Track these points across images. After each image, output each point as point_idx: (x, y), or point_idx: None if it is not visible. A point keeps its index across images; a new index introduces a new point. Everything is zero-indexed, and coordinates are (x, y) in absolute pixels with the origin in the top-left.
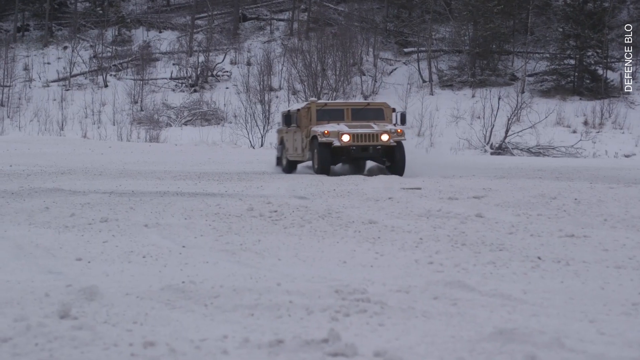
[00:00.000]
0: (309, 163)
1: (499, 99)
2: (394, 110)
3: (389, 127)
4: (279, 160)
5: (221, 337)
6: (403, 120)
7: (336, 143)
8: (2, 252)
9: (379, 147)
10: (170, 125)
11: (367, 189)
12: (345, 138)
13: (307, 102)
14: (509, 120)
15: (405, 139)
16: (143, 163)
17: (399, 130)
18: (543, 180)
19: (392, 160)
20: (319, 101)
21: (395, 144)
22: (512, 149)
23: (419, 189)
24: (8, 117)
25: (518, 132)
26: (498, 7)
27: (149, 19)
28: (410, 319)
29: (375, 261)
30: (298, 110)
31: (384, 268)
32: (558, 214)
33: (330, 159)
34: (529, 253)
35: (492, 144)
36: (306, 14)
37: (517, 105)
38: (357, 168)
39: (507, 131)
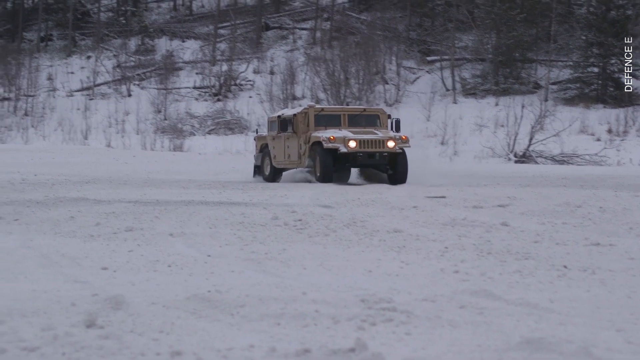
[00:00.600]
0: (296, 171)
1: (523, 107)
2: (389, 116)
3: (392, 133)
4: (258, 169)
5: (248, 346)
6: (397, 127)
7: (342, 149)
8: (28, 261)
9: (385, 153)
10: (194, 135)
11: (392, 197)
12: (352, 144)
13: (303, 107)
14: (532, 128)
15: (409, 146)
16: (167, 172)
17: (403, 137)
18: (568, 189)
19: (394, 168)
20: (317, 106)
21: (400, 150)
22: (536, 157)
23: (444, 197)
24: (32, 126)
25: (542, 140)
26: (521, 15)
27: (171, 29)
28: (436, 328)
29: (401, 270)
30: (294, 115)
31: (409, 277)
32: (583, 222)
33: (333, 166)
34: (555, 262)
35: (515, 152)
36: (329, 23)
37: (540, 114)
38: (341, 177)
39: (530, 139)
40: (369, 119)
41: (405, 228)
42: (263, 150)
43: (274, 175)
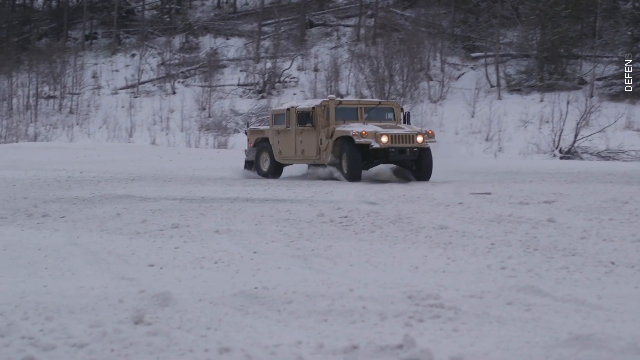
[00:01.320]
0: (297, 167)
1: (568, 103)
2: (402, 109)
3: (417, 127)
4: (249, 165)
5: (295, 342)
6: (407, 120)
7: (374, 145)
8: (76, 258)
9: (415, 149)
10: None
11: (437, 193)
12: (384, 139)
13: (322, 100)
14: (577, 124)
15: (435, 141)
16: (212, 169)
17: (429, 132)
18: (614, 185)
19: (419, 164)
20: (336, 98)
21: (427, 146)
22: (582, 153)
23: (489, 193)
24: (77, 124)
25: (587, 137)
26: (566, 11)
27: (216, 26)
28: (484, 324)
29: (448, 266)
30: (313, 108)
31: (456, 273)
32: (630, 218)
33: (362, 163)
34: (602, 258)
35: (561, 149)
36: (373, 19)
37: (585, 110)
38: (328, 173)
39: (576, 135)
40: (384, 112)
41: (451, 224)
42: (259, 144)
43: (275, 171)
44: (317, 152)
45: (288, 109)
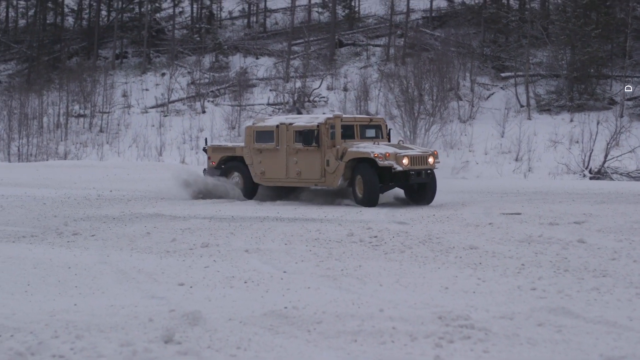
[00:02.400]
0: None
1: (598, 123)
2: (386, 126)
3: (421, 148)
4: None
5: None
6: (389, 137)
7: (397, 167)
8: (106, 277)
9: (429, 171)
10: None
11: (467, 214)
12: (405, 161)
13: (327, 116)
14: (607, 144)
15: (439, 162)
16: None
17: (435, 152)
18: None
19: (423, 187)
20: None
21: (436, 168)
22: (612, 173)
23: (519, 214)
24: (107, 142)
25: (617, 157)
26: (596, 31)
27: (245, 46)
28: (515, 345)
29: (478, 287)
30: (318, 126)
31: (486, 294)
32: None
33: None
34: (633, 279)
35: (590, 169)
36: (402, 39)
37: (616, 130)
38: (282, 194)
39: (606, 156)
40: (375, 130)
41: (481, 245)
42: (226, 163)
43: (252, 193)
44: (322, 174)
45: (278, 126)
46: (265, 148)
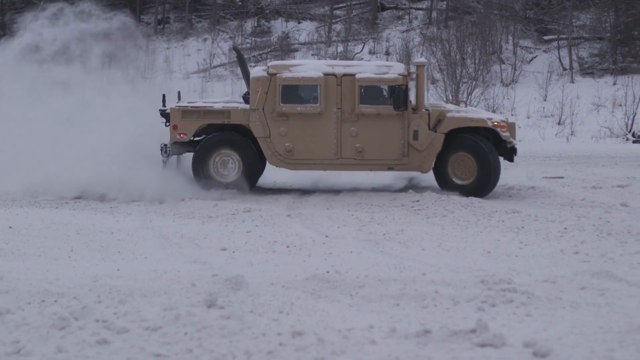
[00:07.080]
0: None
1: None
2: None
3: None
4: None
5: (368, 327)
6: None
7: (513, 142)
8: (149, 242)
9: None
10: None
11: (509, 178)
12: (507, 133)
13: (417, 61)
14: None
15: None
16: None
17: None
18: None
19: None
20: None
21: None
22: None
23: (562, 177)
24: None
25: None
26: None
27: (287, 10)
28: (557, 309)
29: (520, 251)
30: (404, 77)
31: (529, 258)
32: None
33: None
34: None
35: (634, 132)
36: (445, 2)
37: None
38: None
39: None
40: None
41: (523, 208)
42: (209, 136)
43: (250, 181)
44: (404, 152)
45: (324, 77)
46: (300, 112)
